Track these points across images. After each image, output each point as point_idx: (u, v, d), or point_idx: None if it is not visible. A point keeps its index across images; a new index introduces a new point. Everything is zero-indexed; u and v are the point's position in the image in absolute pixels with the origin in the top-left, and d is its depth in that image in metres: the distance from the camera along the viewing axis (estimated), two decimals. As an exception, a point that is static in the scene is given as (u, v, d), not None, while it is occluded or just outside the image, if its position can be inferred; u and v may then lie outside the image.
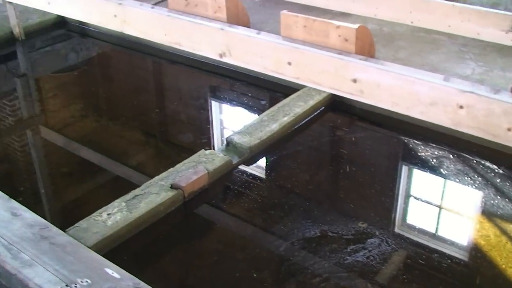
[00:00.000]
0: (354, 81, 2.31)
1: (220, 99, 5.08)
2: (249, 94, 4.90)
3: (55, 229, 2.87)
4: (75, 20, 3.43)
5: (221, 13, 5.16)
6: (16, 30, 5.89)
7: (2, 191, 3.22)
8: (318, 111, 4.39)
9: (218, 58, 2.68)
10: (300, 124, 4.22)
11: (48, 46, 6.25)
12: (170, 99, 5.26)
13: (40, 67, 6.01)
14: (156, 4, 6.00)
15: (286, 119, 4.10)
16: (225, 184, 3.67)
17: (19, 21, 5.87)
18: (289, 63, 2.47)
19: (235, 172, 3.74)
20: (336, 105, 4.45)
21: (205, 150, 3.74)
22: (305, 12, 4.42)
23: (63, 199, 3.89)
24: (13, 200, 3.13)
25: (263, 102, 4.84)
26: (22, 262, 2.57)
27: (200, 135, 4.50)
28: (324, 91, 3.79)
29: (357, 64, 2.28)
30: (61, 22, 6.17)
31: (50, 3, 3.32)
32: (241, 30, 2.64)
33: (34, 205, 3.43)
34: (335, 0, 3.66)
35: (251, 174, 3.77)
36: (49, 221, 2.96)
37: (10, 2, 5.34)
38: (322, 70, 2.38)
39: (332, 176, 3.97)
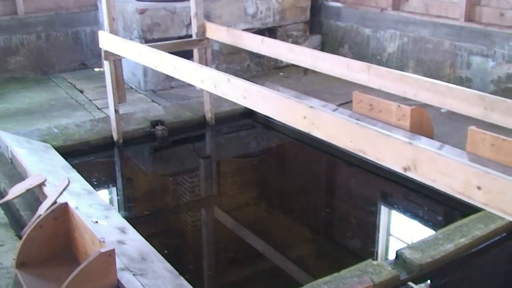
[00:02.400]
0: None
1: (393, 207, 4.96)
2: (425, 207, 4.71)
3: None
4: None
5: (405, 121, 5.15)
6: (208, 115, 6.38)
7: (173, 266, 3.39)
8: (499, 236, 4.07)
9: (402, 172, 2.63)
10: (478, 248, 3.93)
11: (234, 132, 6.66)
12: (341, 200, 5.25)
13: (224, 151, 6.41)
14: (339, 105, 6.17)
15: (463, 241, 3.85)
16: (389, 299, 3.50)
17: (212, 108, 6.35)
18: (479, 188, 2.34)
19: (401, 289, 3.56)
20: (519, 232, 4.11)
21: (373, 260, 3.62)
22: (493, 130, 4.24)
23: (224, 282, 3.98)
24: (182, 278, 3.28)
25: (439, 218, 4.62)
26: None
27: (368, 242, 4.40)
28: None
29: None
30: (249, 113, 6.56)
31: (246, 98, 3.54)
32: (429, 147, 2.57)
33: (198, 284, 3.55)
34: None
35: (418, 294, 3.56)
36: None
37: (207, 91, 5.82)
38: (514, 200, 2.22)
39: (509, 311, 3.61)
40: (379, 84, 4.10)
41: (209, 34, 5.75)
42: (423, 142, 4.50)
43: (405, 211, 4.82)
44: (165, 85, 7.11)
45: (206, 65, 5.68)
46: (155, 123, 6.13)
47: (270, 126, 6.48)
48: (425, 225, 4.55)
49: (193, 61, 5.88)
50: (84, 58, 8.22)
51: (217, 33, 5.64)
